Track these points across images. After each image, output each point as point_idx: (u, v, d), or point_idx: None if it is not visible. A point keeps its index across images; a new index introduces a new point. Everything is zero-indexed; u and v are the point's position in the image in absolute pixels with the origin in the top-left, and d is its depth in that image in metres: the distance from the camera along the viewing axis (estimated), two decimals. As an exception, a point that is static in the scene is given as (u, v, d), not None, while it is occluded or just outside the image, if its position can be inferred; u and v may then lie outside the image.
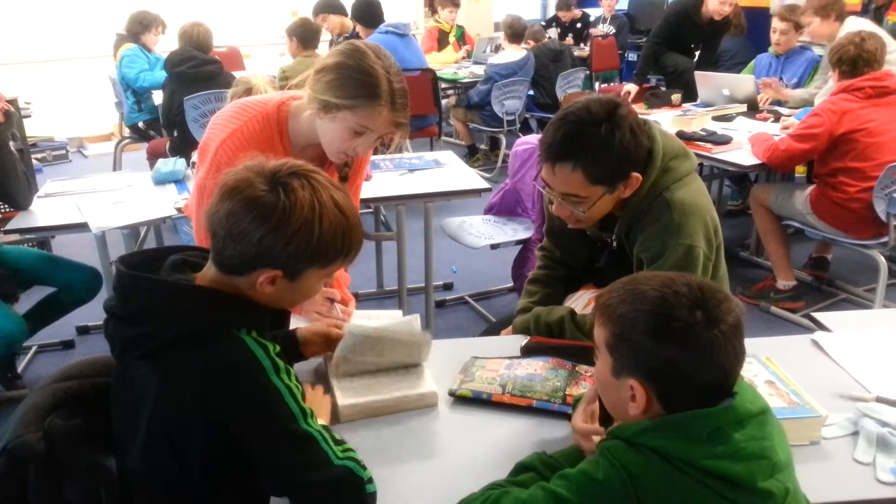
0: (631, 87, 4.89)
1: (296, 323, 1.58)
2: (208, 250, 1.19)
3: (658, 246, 1.58)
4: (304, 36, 4.55)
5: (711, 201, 1.68)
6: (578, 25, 8.15)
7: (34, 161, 4.81)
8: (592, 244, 1.82)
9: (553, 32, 7.78)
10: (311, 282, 1.17)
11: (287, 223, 1.08)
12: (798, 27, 4.28)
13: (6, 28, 6.27)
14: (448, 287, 3.86)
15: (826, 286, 3.74)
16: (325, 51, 4.61)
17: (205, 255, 1.20)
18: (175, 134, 4.35)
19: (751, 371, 1.43)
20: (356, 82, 1.53)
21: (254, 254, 1.09)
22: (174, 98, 4.21)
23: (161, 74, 4.63)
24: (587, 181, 1.52)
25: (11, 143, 3.92)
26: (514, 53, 5.63)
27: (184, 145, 4.19)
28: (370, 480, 1.15)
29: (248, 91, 1.91)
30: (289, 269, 1.12)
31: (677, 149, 1.64)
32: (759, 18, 5.49)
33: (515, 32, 5.67)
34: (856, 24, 3.77)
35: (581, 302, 1.82)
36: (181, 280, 1.15)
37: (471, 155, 6.22)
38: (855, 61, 3.14)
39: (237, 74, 4.76)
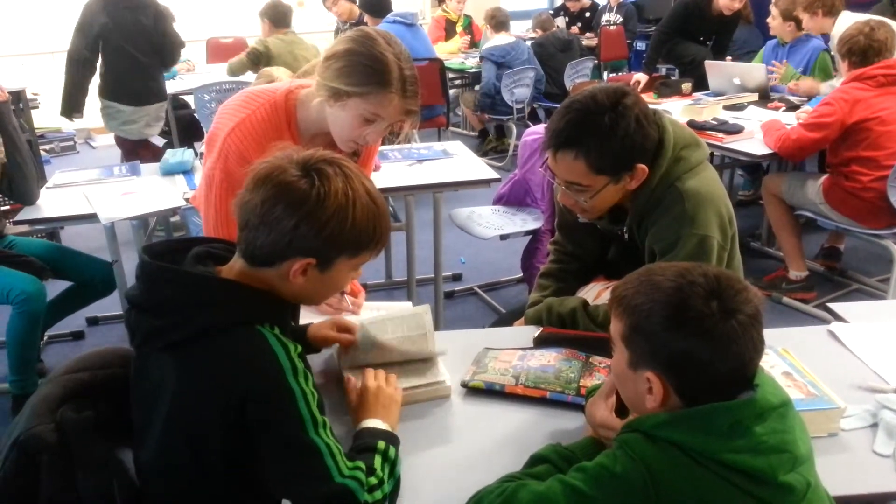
0: (640, 77, 4.86)
1: (306, 315, 1.57)
2: (232, 242, 1.19)
3: (671, 236, 1.56)
4: (275, 16, 4.57)
5: (725, 190, 1.66)
6: (587, 14, 8.10)
7: (42, 152, 4.81)
8: (604, 237, 1.80)
9: (560, 21, 7.72)
10: (341, 272, 1.17)
11: (322, 209, 1.08)
12: (789, 17, 4.24)
13: (14, 20, 6.27)
14: (457, 278, 3.85)
15: (838, 276, 3.71)
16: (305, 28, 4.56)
17: (228, 248, 1.20)
18: (107, 72, 4.21)
19: (768, 362, 1.41)
20: (366, 69, 1.51)
21: (288, 241, 1.09)
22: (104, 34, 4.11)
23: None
24: (590, 170, 1.50)
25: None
26: (502, 38, 5.65)
27: (119, 87, 4.14)
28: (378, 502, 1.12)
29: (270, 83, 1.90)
30: (321, 256, 1.12)
31: (688, 138, 1.61)
32: (767, 6, 5.44)
33: (499, 21, 5.75)
34: (851, 19, 3.70)
35: (591, 294, 1.80)
36: (206, 272, 1.14)
37: (483, 139, 6.22)
38: (865, 52, 3.11)
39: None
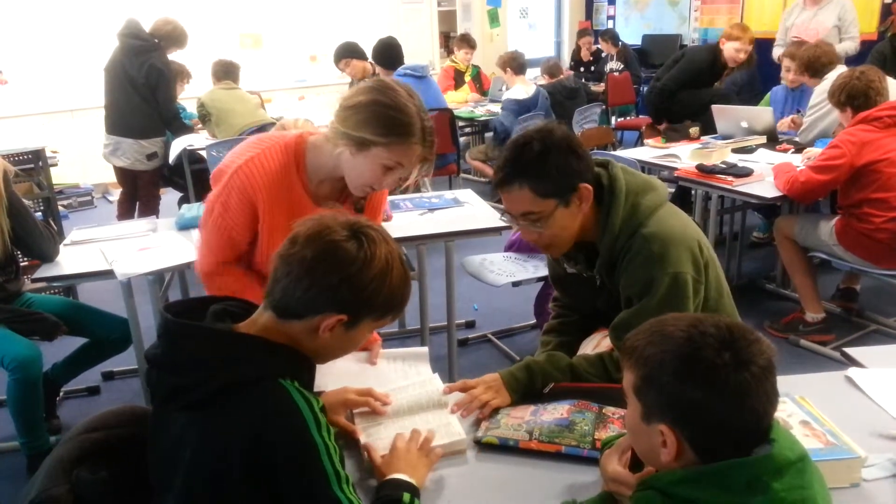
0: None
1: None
2: (247, 301, 1.23)
3: (644, 279, 1.59)
4: (217, 72, 5.04)
5: (690, 221, 1.69)
6: (592, 63, 8.27)
7: (60, 208, 4.89)
8: (593, 285, 1.81)
9: (567, 68, 7.88)
10: (362, 332, 1.22)
11: (367, 271, 1.14)
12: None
13: (34, 81, 6.45)
14: (470, 325, 3.85)
15: (856, 317, 3.67)
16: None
17: (243, 307, 1.23)
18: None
19: (785, 411, 1.39)
20: (391, 120, 1.57)
21: (327, 297, 1.14)
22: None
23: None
24: (536, 195, 1.56)
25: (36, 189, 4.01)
26: (524, 88, 5.70)
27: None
28: None
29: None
30: (353, 314, 1.17)
31: (641, 184, 1.65)
32: (767, 48, 5.53)
33: (520, 64, 5.80)
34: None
35: (592, 343, 1.81)
36: (227, 328, 1.17)
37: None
38: (866, 93, 3.15)
39: (258, 118, 4.92)
